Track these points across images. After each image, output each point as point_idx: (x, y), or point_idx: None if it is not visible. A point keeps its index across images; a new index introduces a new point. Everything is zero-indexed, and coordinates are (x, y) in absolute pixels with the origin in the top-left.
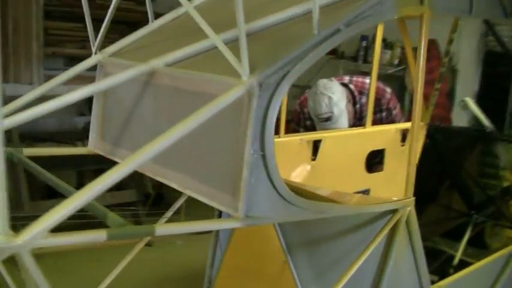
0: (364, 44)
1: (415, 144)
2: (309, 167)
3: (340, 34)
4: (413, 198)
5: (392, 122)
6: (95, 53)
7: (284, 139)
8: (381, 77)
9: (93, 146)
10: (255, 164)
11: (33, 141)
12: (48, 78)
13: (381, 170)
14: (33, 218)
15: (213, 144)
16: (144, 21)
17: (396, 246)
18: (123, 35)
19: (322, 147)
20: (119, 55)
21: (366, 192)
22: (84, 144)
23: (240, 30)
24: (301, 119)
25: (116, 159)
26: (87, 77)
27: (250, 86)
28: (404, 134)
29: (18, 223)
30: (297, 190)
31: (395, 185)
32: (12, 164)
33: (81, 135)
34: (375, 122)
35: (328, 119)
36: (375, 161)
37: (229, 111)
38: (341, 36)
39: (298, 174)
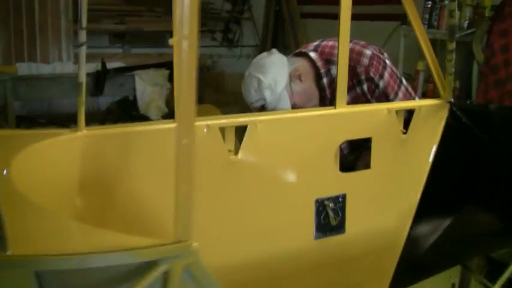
0: (429, 4)
1: (189, 146)
2: (225, 166)
3: None
4: (191, 243)
5: (386, 97)
6: None
7: None
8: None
9: None
10: None
11: (30, 123)
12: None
13: (365, 167)
14: None
15: None
16: None
17: None
18: (169, 8)
19: (249, 136)
20: None
21: (339, 198)
22: None
23: None
24: None
25: None
26: None
27: None
28: (408, 117)
29: None
30: None
31: (390, 189)
32: None
33: (104, 117)
34: (357, 100)
35: (262, 107)
36: (354, 154)
37: None
38: None
39: (206, 178)
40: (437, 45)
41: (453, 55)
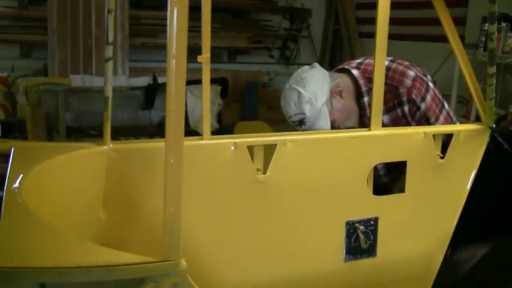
0: (486, 27)
1: (176, 166)
2: (253, 185)
3: None
4: (178, 262)
5: (427, 120)
6: None
7: (209, 142)
8: (500, 68)
9: None
10: None
11: (81, 135)
12: (135, 70)
13: (400, 191)
14: None
15: None
16: (253, 11)
17: None
18: (227, 25)
19: (278, 156)
20: None
21: (371, 221)
22: None
23: None
24: None
25: None
26: None
27: None
28: (446, 142)
29: None
30: None
31: (424, 214)
32: None
33: (154, 131)
34: (397, 121)
35: (301, 122)
36: (390, 175)
37: None
38: None
39: (233, 196)
40: None
41: (494, 79)
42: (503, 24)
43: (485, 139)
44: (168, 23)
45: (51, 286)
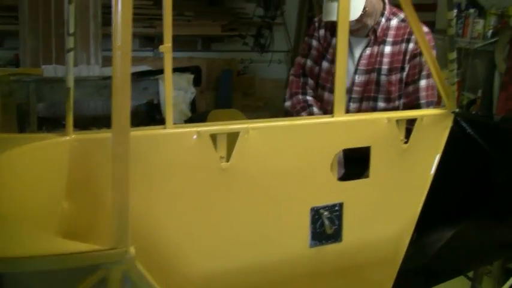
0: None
1: (122, 155)
2: (216, 173)
3: None
4: (126, 250)
5: (420, 72)
6: None
7: (172, 131)
8: (469, 53)
9: None
10: None
11: (54, 125)
12: (108, 59)
13: (365, 176)
14: None
15: None
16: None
17: None
18: (201, 13)
19: (241, 143)
20: None
21: (335, 206)
22: None
23: None
24: (315, 29)
25: None
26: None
27: None
28: (409, 127)
29: None
30: None
31: (389, 199)
32: None
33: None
34: (393, 57)
35: None
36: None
37: None
38: None
39: (197, 185)
40: (462, 54)
41: (454, 64)
42: (471, 10)
43: (449, 123)
44: (112, 14)
45: (7, 276)
